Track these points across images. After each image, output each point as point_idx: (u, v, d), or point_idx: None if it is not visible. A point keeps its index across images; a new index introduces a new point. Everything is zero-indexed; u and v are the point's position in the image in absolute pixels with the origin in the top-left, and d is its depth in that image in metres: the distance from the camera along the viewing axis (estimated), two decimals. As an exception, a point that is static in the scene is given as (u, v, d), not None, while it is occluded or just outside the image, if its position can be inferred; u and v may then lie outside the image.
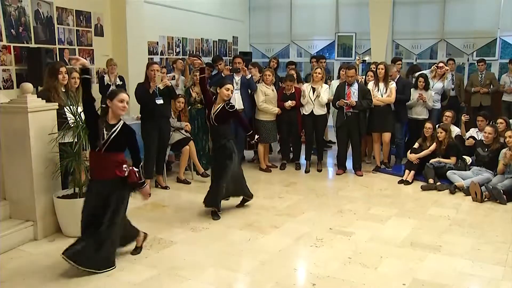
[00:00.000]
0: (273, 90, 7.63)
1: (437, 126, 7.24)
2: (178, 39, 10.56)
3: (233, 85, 6.14)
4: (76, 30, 8.16)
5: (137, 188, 4.20)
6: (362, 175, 7.45)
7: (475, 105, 9.47)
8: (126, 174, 4.07)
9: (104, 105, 4.30)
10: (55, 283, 3.91)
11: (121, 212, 4.15)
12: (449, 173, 6.77)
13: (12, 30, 6.96)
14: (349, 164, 7.74)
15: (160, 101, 6.26)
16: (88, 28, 8.40)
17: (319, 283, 3.95)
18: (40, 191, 4.80)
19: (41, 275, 4.05)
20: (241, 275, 4.09)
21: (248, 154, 8.42)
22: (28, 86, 4.85)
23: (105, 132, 4.02)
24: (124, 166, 4.10)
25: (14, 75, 7.03)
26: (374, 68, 7.82)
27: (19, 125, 4.69)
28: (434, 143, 7.08)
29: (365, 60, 8.92)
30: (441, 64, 8.27)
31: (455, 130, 7.50)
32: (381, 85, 7.48)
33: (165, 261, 4.34)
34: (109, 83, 7.63)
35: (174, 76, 8.05)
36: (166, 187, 6.69)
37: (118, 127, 4.10)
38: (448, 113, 7.46)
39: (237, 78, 7.45)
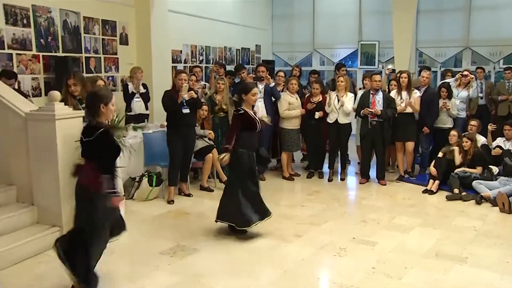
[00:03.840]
0: (297, 99, 7.63)
1: (462, 135, 7.14)
2: (202, 48, 10.66)
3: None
4: (102, 39, 8.30)
5: None
6: (385, 185, 7.39)
7: (503, 114, 9.27)
8: None
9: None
10: None
11: None
12: (475, 183, 6.66)
13: (41, 40, 7.13)
14: (372, 173, 7.69)
15: (186, 110, 6.31)
16: (113, 37, 8.53)
17: (342, 293, 3.93)
18: (67, 197, 4.84)
19: (67, 279, 4.08)
20: (264, 284, 4.08)
21: (271, 162, 8.41)
22: (56, 94, 4.95)
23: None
24: None
25: (42, 83, 7.19)
26: (398, 76, 7.76)
27: (46, 132, 4.78)
28: (460, 157, 6.97)
29: (394, 70, 8.86)
30: (465, 72, 8.16)
31: (481, 139, 7.37)
32: (404, 93, 7.42)
33: (188, 268, 4.37)
34: (133, 91, 7.73)
35: (205, 85, 8.14)
36: (189, 195, 6.72)
37: None
38: (473, 122, 7.36)
39: (260, 87, 7.47)
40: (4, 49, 6.65)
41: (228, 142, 5.12)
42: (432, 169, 7.01)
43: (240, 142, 5.06)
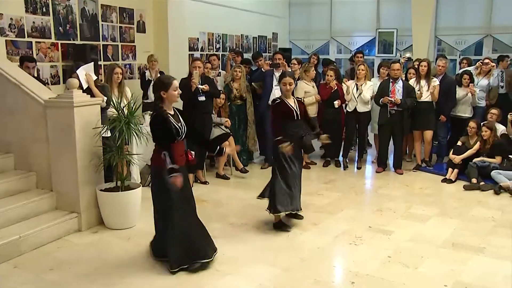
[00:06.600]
0: (313, 87, 7.59)
1: (481, 124, 7.04)
2: (218, 35, 10.64)
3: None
4: (119, 26, 8.34)
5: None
6: (402, 174, 7.33)
7: (524, 103, 9.09)
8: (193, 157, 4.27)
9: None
10: (100, 272, 4.03)
11: None
12: (493, 173, 6.56)
13: (60, 28, 7.19)
14: (389, 162, 7.62)
15: (202, 98, 6.33)
16: (130, 25, 8.57)
17: (358, 281, 3.92)
18: (84, 183, 4.94)
19: (86, 264, 4.18)
20: (280, 271, 4.09)
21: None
22: (74, 81, 5.01)
23: (177, 123, 4.05)
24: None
25: (60, 71, 7.27)
26: (416, 65, 7.65)
27: (65, 119, 4.84)
28: (478, 143, 6.88)
29: (411, 58, 8.75)
30: (486, 60, 8.01)
31: (500, 129, 7.23)
32: (423, 82, 7.33)
33: (204, 255, 4.38)
34: (150, 78, 7.74)
35: (219, 72, 8.13)
36: (205, 182, 6.76)
37: (178, 114, 4.16)
38: (493, 111, 7.23)
39: (277, 74, 7.43)
40: (24, 37, 6.73)
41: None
42: (454, 157, 6.89)
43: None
